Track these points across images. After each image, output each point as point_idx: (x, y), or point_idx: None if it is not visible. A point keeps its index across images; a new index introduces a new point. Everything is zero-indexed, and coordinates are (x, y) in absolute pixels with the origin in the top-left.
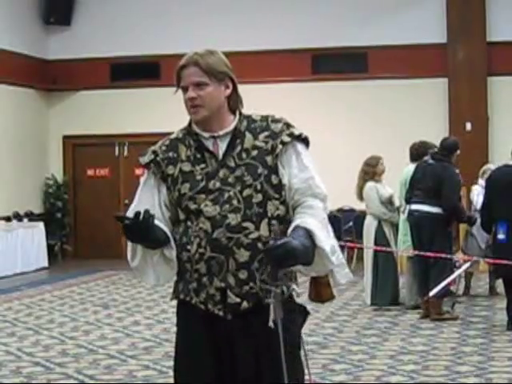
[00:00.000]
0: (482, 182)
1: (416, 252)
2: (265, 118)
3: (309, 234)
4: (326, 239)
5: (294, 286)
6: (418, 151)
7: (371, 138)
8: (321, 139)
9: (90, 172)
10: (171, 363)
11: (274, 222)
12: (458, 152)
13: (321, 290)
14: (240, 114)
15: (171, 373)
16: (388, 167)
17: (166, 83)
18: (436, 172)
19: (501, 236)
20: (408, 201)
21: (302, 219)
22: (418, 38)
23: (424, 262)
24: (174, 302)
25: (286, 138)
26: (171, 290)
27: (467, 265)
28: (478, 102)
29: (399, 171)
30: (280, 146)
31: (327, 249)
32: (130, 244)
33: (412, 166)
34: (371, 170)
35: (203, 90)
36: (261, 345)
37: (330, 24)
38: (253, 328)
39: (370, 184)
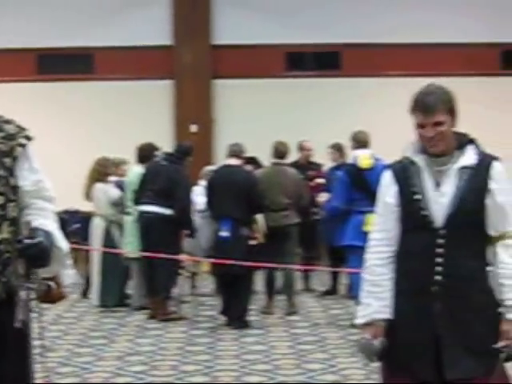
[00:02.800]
0: (203, 183)
1: (143, 253)
2: None
3: (48, 236)
4: (63, 240)
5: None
6: (145, 153)
7: (98, 140)
8: (44, 141)
9: None
10: None
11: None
12: (191, 159)
13: (52, 290)
14: None
15: None
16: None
17: None
18: (169, 174)
19: (224, 233)
20: (137, 202)
21: (38, 221)
22: (144, 40)
23: (151, 263)
24: None
25: (24, 141)
26: None
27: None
28: (204, 105)
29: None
30: (19, 149)
31: (66, 249)
32: None
33: (138, 168)
34: (103, 171)
35: None
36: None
37: (56, 24)
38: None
39: (99, 185)
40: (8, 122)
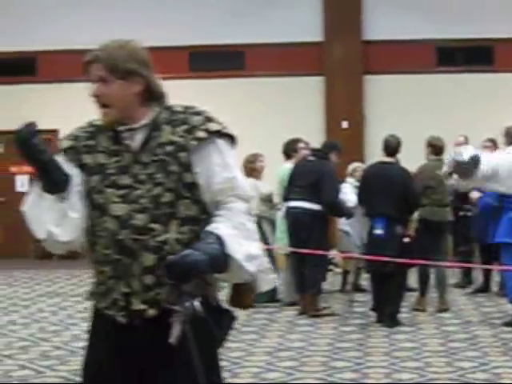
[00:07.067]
0: (351, 180)
1: (293, 249)
2: (185, 110)
3: (219, 240)
4: (239, 246)
5: (214, 294)
6: (289, 148)
7: (248, 136)
8: None
9: None
10: (48, 362)
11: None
12: (336, 157)
13: (241, 296)
14: (161, 105)
15: (48, 372)
16: (266, 165)
17: (42, 79)
18: (315, 169)
19: (378, 231)
20: (286, 198)
21: (213, 223)
22: (295, 37)
23: (301, 258)
24: (51, 301)
25: (201, 134)
26: (49, 289)
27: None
28: (354, 101)
29: (277, 169)
30: (194, 143)
31: (239, 257)
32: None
33: (289, 164)
34: (249, 167)
35: (108, 88)
36: (173, 354)
37: (207, 22)
38: (163, 337)
39: (249, 181)
40: (197, 113)
